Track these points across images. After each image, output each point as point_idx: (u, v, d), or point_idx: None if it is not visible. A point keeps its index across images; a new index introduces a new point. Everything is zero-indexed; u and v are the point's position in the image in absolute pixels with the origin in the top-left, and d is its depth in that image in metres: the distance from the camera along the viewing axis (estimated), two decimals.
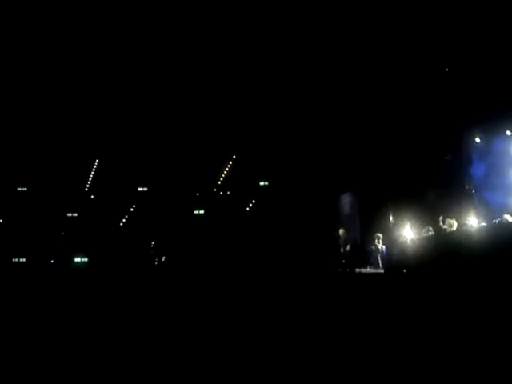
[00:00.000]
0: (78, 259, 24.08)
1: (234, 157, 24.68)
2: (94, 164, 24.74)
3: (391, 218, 15.90)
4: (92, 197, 24.94)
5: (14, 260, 23.45)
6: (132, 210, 25.09)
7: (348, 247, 16.08)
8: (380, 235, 15.18)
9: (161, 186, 24.43)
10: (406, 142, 14.97)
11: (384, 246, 14.68)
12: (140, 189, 25.06)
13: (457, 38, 12.03)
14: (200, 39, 19.73)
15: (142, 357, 7.55)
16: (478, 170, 13.29)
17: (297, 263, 16.03)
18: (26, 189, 24.61)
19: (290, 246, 18.75)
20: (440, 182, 14.40)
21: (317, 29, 14.78)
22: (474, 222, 12.42)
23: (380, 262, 14.40)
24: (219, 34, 18.77)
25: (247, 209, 24.66)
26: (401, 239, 13.89)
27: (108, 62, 20.71)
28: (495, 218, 11.79)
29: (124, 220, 25.07)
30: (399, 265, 11.72)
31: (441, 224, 12.75)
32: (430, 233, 13.30)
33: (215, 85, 20.78)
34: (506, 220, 11.19)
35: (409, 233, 14.36)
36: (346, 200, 18.42)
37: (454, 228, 12.35)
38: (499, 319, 6.75)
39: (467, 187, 13.65)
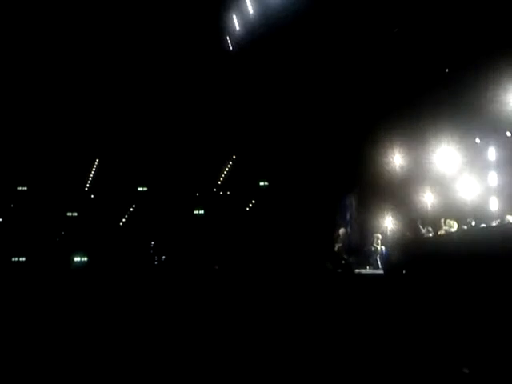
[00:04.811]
0: (77, 259, 24.08)
1: (234, 157, 24.68)
2: (94, 163, 24.74)
3: (390, 219, 15.90)
4: (92, 196, 24.93)
5: (13, 259, 23.44)
6: (132, 209, 25.09)
7: (347, 248, 16.07)
8: (379, 236, 15.21)
9: (161, 185, 24.43)
10: (405, 142, 14.99)
11: (384, 247, 14.69)
12: (140, 188, 25.06)
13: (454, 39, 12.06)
14: (201, 43, 19.79)
15: (142, 355, 7.55)
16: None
17: (296, 263, 16.03)
18: (26, 188, 24.61)
19: (290, 246, 18.74)
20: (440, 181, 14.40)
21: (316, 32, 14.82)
22: (473, 223, 12.41)
23: (379, 262, 14.41)
24: (218, 39, 18.87)
25: (247, 209, 24.65)
26: (400, 240, 13.90)
27: (109, 63, 20.74)
28: (495, 220, 11.79)
29: (124, 219, 25.06)
30: (399, 265, 11.71)
31: (442, 225, 12.75)
32: (430, 234, 13.30)
33: (215, 86, 20.81)
34: (509, 221, 11.19)
35: (408, 233, 14.35)
36: (345, 201, 18.41)
37: (454, 229, 12.35)
38: (499, 319, 6.76)
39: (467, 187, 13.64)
